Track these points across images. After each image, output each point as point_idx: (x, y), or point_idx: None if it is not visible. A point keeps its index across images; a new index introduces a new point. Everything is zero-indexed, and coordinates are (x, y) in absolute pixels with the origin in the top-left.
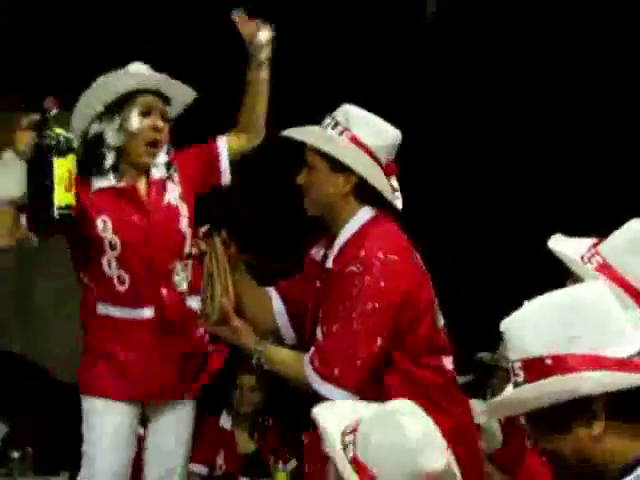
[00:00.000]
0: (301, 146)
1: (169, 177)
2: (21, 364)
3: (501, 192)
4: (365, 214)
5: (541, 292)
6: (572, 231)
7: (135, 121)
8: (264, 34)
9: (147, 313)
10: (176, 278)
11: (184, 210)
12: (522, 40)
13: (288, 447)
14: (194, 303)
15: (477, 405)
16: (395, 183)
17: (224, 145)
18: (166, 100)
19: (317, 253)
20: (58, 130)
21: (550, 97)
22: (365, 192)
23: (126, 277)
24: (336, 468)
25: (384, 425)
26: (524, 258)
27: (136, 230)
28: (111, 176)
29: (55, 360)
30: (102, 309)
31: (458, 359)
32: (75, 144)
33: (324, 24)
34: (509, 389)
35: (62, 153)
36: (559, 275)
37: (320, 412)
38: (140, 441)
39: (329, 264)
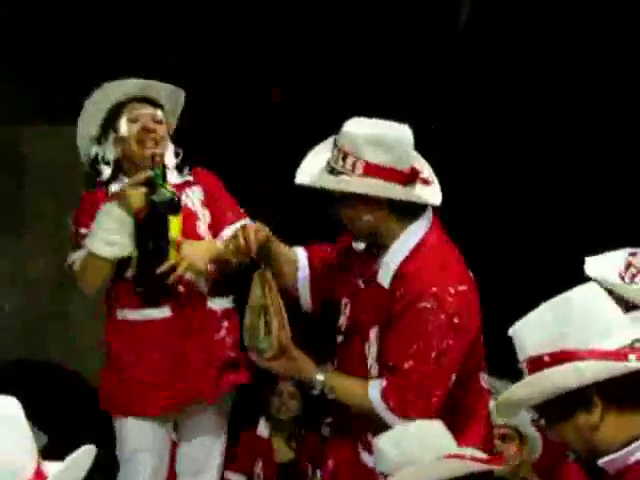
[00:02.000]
0: None
1: (187, 182)
2: (58, 376)
3: (551, 194)
4: (414, 234)
5: None
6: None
7: (124, 128)
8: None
9: (163, 312)
10: (189, 275)
11: (204, 216)
12: (556, 44)
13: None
14: (214, 305)
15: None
16: (428, 175)
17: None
18: (156, 104)
19: (358, 245)
20: (170, 187)
21: (582, 102)
22: (403, 208)
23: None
24: None
25: None
26: (565, 263)
27: None
28: (124, 180)
29: (92, 372)
30: (120, 314)
31: (497, 362)
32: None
33: (356, 31)
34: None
35: (175, 211)
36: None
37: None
38: (173, 448)
39: (382, 281)
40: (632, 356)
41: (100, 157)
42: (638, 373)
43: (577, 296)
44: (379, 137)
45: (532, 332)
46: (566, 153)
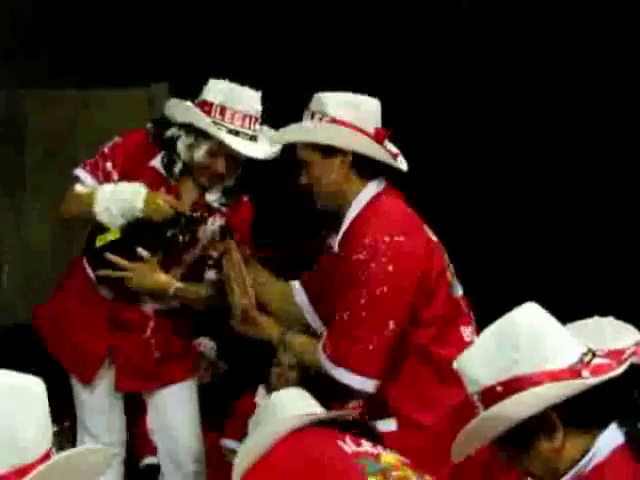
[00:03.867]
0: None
1: (218, 211)
2: None
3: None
4: (367, 194)
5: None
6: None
7: (201, 155)
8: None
9: (107, 294)
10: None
11: (201, 249)
12: (559, 36)
13: None
14: (146, 306)
15: None
16: (393, 148)
17: None
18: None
19: (331, 239)
20: (186, 238)
21: (586, 90)
22: (366, 166)
23: None
24: None
25: None
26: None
27: None
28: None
29: None
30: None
31: None
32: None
33: (358, 15)
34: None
35: (164, 253)
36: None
37: None
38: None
39: (335, 248)
40: (585, 372)
41: (176, 145)
42: (590, 388)
43: (520, 319)
44: (346, 98)
45: (480, 363)
46: (568, 139)
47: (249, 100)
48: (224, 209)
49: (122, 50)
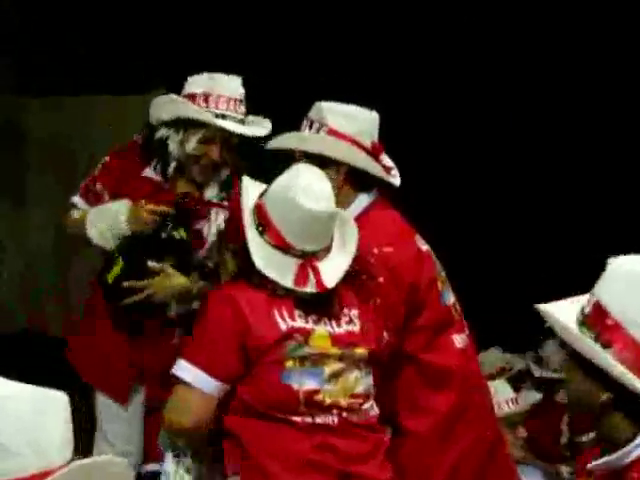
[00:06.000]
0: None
1: (219, 204)
2: (59, 344)
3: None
4: (358, 206)
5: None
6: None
7: (192, 146)
8: None
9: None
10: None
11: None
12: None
13: None
14: (172, 314)
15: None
16: (388, 161)
17: None
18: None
19: None
20: (181, 232)
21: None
22: (359, 179)
23: None
24: None
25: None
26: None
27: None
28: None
29: None
30: None
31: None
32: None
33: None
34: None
35: (171, 253)
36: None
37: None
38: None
39: None
40: None
41: (167, 145)
42: None
43: None
44: (344, 109)
45: (622, 289)
46: (561, 142)
47: (230, 84)
48: (225, 203)
49: (120, 57)
